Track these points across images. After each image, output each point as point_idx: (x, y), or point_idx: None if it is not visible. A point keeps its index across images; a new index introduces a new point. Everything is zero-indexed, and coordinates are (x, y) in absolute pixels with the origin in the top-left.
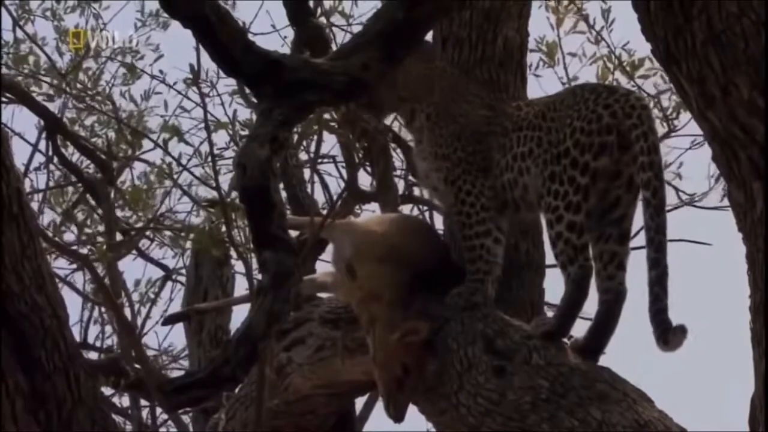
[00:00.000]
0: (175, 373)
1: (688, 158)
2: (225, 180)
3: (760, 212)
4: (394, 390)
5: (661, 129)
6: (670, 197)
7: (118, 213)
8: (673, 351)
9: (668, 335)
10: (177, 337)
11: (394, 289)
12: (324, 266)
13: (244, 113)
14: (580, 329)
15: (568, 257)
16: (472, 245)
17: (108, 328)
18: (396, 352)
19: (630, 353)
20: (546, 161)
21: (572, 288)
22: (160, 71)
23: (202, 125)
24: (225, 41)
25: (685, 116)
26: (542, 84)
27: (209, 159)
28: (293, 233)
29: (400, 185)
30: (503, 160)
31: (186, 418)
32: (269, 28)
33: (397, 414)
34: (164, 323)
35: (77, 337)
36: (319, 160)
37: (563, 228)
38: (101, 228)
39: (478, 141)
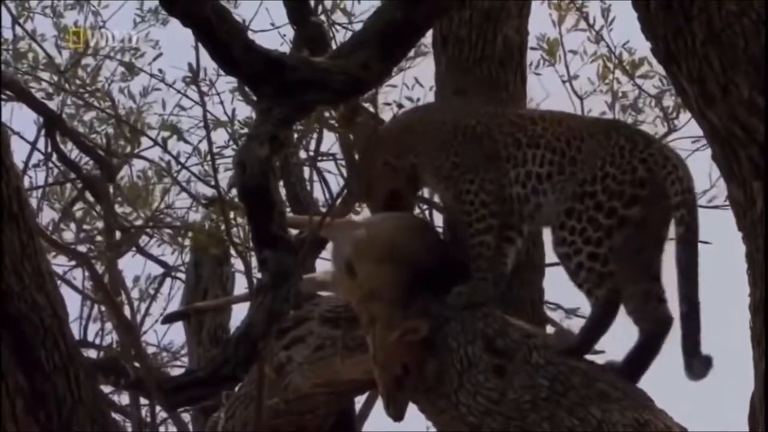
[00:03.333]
0: (176, 371)
1: (690, 158)
2: (225, 178)
3: (760, 211)
4: (393, 389)
5: (661, 129)
6: None
7: (118, 209)
8: (697, 380)
9: (694, 366)
10: (177, 334)
11: (394, 288)
12: (324, 265)
13: (243, 112)
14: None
15: (594, 283)
16: (472, 243)
17: (108, 326)
18: (395, 352)
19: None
20: (567, 195)
21: (600, 309)
22: (160, 70)
23: (202, 124)
24: (224, 40)
25: (685, 116)
26: (543, 82)
27: (208, 157)
28: (293, 232)
29: None
30: (513, 172)
31: (186, 417)
32: (269, 26)
33: (396, 413)
34: (164, 322)
35: (76, 335)
36: (319, 158)
37: (584, 258)
38: (100, 225)
39: (472, 143)
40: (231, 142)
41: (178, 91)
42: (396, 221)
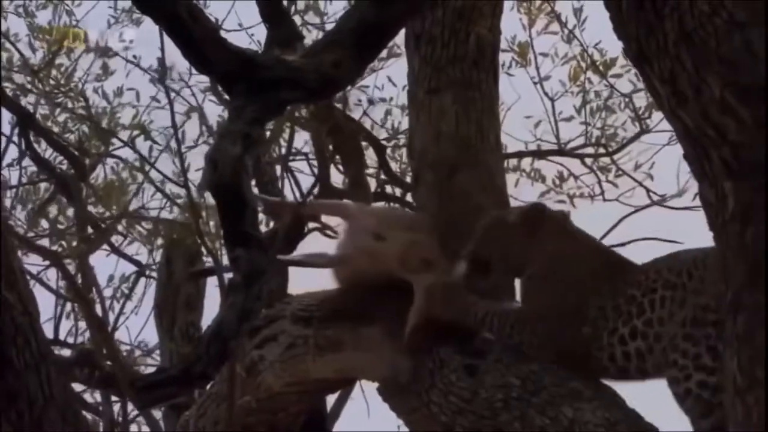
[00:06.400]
0: (148, 369)
1: (660, 159)
2: (197, 176)
3: (731, 211)
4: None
5: (633, 129)
6: (642, 198)
7: (91, 209)
8: None
9: None
10: (149, 333)
11: (437, 250)
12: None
13: (213, 112)
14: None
15: (701, 414)
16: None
17: (81, 324)
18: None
19: None
20: (687, 319)
21: None
22: (135, 57)
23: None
24: (197, 39)
25: (657, 116)
26: (514, 83)
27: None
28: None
29: (373, 183)
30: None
31: (158, 414)
32: (239, 26)
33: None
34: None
35: (49, 334)
36: (291, 157)
37: (693, 385)
38: (74, 223)
39: None
40: (202, 140)
41: (155, 80)
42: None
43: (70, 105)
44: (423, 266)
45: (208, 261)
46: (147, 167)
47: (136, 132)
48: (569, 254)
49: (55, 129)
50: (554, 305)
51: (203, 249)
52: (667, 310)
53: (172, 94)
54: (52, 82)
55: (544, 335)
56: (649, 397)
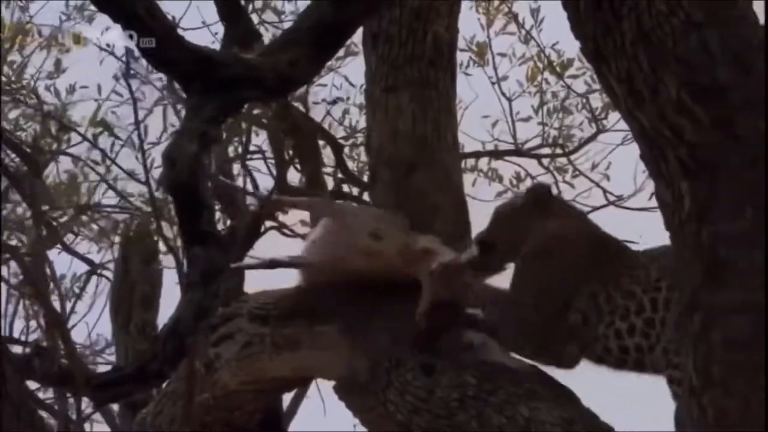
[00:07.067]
0: (102, 367)
1: (617, 160)
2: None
3: (688, 211)
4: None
5: (590, 129)
6: (598, 198)
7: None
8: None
9: None
10: (104, 329)
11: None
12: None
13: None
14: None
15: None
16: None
17: (33, 323)
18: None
19: None
20: None
21: None
22: (109, 45)
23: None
24: (155, 36)
25: (614, 117)
26: (472, 83)
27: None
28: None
29: (330, 182)
30: None
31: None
32: (200, 23)
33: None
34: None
35: (2, 332)
36: (249, 156)
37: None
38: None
39: None
40: (164, 136)
41: (122, 59)
42: None
43: (21, 102)
44: (424, 256)
45: (164, 260)
46: (107, 163)
47: (94, 128)
48: (564, 235)
49: (7, 126)
50: (542, 290)
51: (161, 247)
52: (672, 313)
53: (135, 89)
54: (3, 78)
55: (527, 319)
56: (606, 395)
